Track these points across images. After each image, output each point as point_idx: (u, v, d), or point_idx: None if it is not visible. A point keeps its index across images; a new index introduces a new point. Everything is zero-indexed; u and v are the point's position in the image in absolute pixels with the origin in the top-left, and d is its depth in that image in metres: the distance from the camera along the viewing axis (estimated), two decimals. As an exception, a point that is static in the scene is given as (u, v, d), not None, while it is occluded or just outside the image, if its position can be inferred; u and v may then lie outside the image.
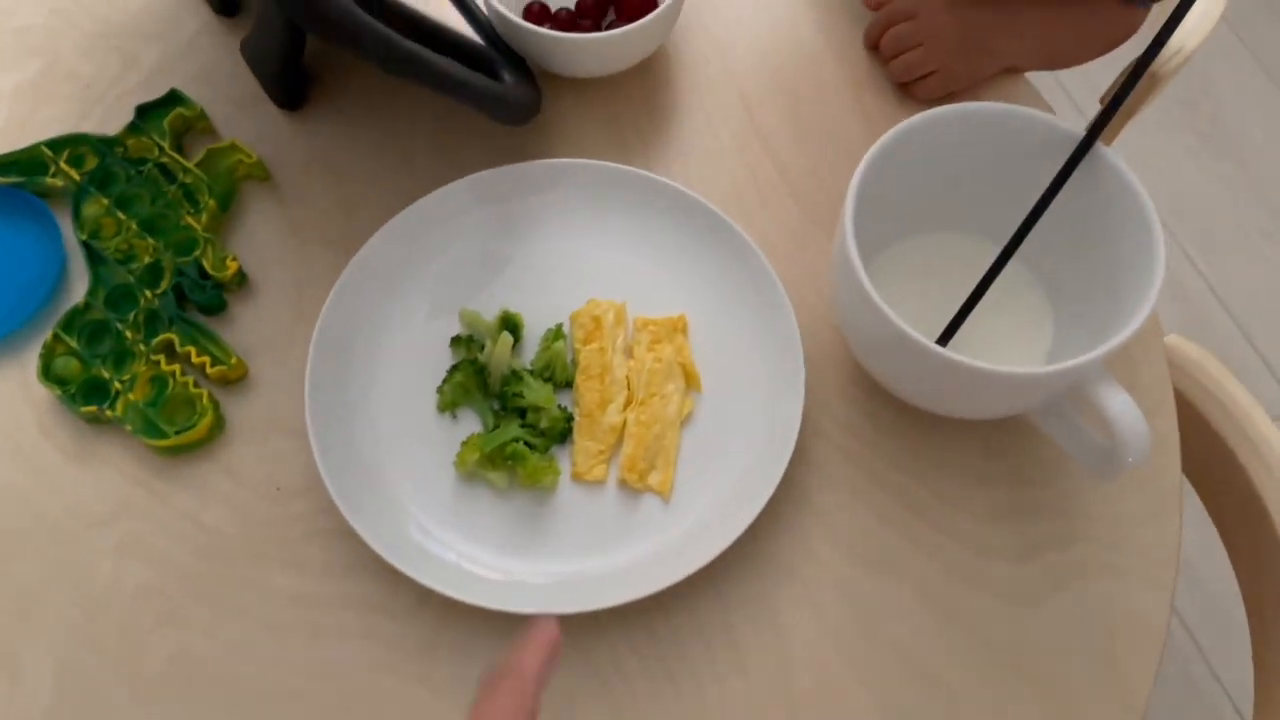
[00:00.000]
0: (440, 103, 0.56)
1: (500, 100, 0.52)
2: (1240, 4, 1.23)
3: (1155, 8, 0.61)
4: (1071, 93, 1.33)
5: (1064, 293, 0.51)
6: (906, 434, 0.51)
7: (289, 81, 0.59)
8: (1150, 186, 0.46)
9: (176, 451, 0.51)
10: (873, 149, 0.47)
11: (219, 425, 0.51)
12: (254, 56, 0.60)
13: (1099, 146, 0.47)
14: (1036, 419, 0.49)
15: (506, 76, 0.55)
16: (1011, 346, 0.51)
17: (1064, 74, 1.24)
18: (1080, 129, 0.47)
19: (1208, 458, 0.55)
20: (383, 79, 0.57)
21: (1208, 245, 1.25)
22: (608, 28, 0.61)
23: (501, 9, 0.56)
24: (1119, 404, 0.43)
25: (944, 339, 0.48)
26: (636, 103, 0.60)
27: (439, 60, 0.49)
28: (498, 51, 0.57)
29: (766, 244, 0.53)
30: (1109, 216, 0.48)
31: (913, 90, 0.60)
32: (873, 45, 0.61)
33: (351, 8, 0.47)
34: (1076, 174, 0.47)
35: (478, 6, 0.59)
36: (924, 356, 0.44)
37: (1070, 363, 0.43)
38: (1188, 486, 0.54)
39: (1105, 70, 0.69)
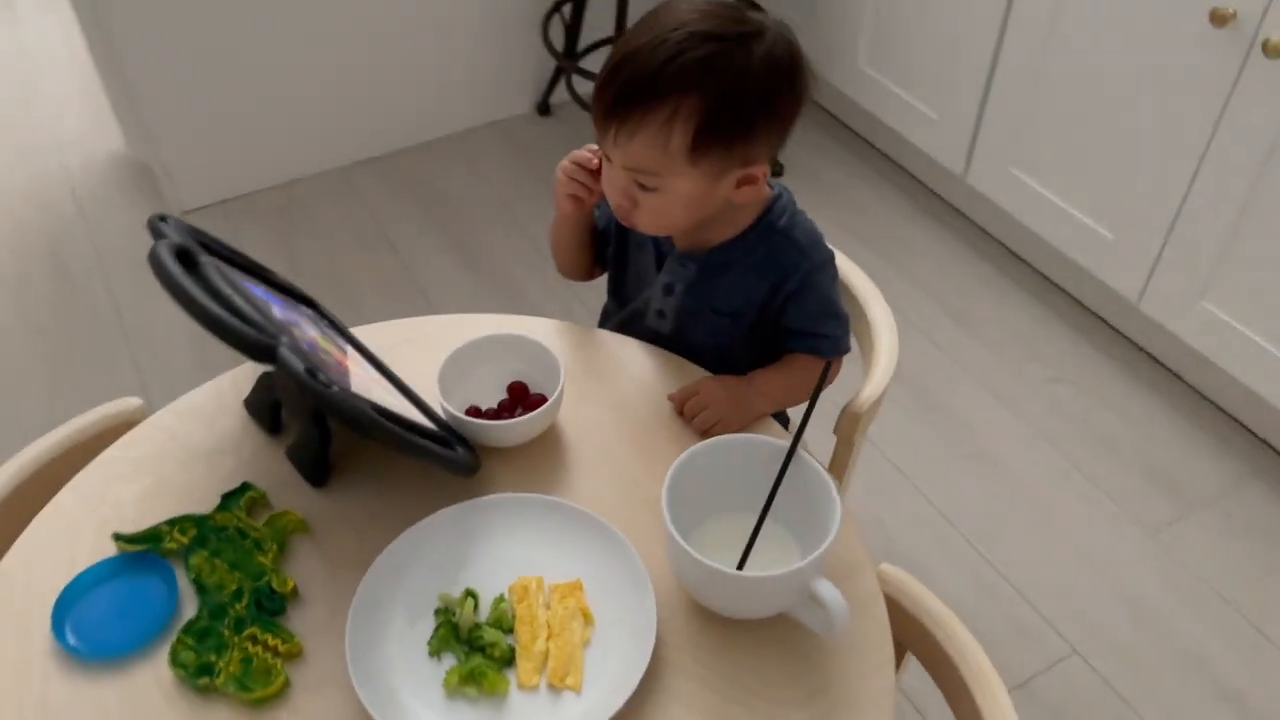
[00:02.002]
0: (415, 470, 0.91)
1: (454, 462, 0.88)
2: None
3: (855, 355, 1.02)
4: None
5: (803, 539, 0.86)
6: (725, 639, 0.82)
7: (318, 470, 0.94)
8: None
9: (261, 703, 0.79)
10: (673, 466, 0.83)
11: (287, 683, 0.80)
12: (295, 456, 0.95)
13: (800, 453, 0.84)
14: (796, 615, 0.81)
15: (458, 448, 0.91)
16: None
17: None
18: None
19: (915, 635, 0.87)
20: (377, 464, 0.92)
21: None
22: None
23: (452, 410, 0.93)
24: (827, 589, 0.77)
25: (739, 568, 0.81)
26: (541, 460, 0.96)
27: (423, 441, 0.84)
28: (450, 433, 0.94)
29: (631, 535, 0.87)
30: (813, 490, 0.83)
31: (708, 435, 0.97)
32: (679, 412, 1.00)
33: (368, 413, 0.83)
34: (792, 469, 0.83)
35: (432, 409, 0.96)
36: (723, 578, 0.77)
37: (791, 567, 0.77)
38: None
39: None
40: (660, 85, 0.88)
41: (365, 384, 0.93)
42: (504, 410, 0.99)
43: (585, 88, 2.38)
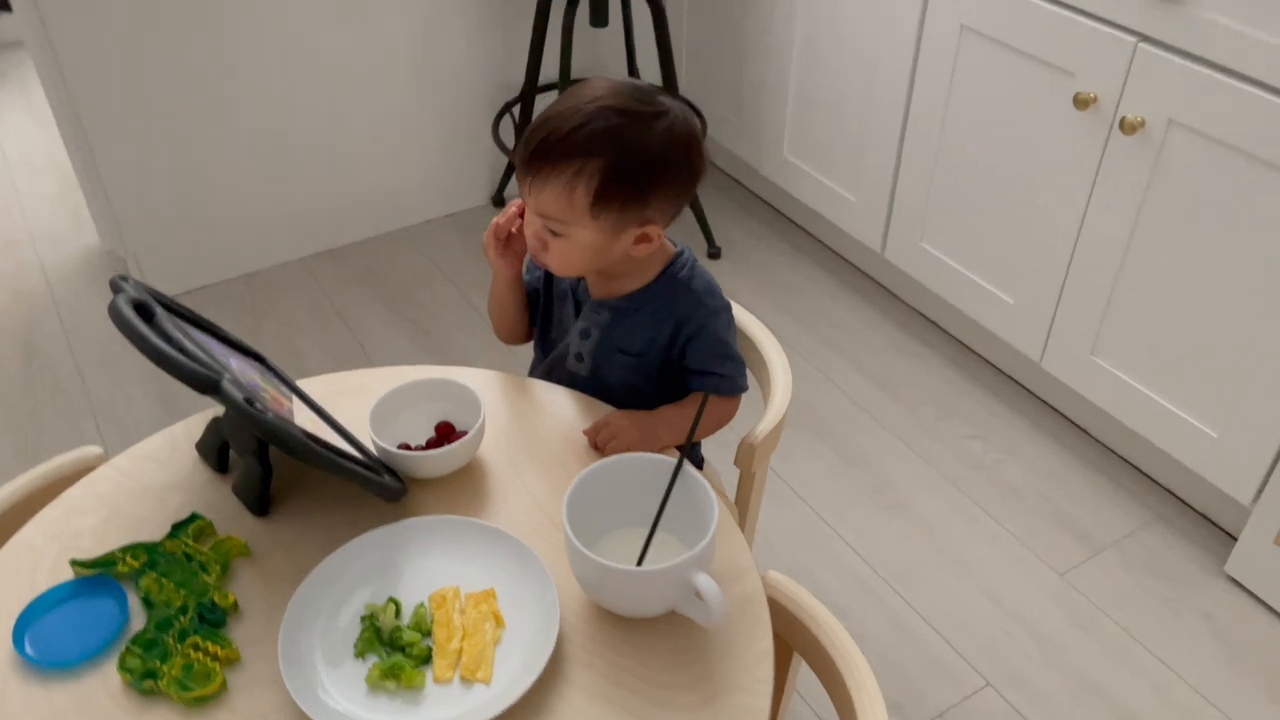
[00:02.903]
0: (349, 500, 1.01)
1: (382, 486, 0.98)
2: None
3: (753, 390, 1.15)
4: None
5: (688, 542, 0.96)
6: (621, 636, 0.92)
7: (260, 502, 1.04)
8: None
9: (200, 702, 0.87)
10: (575, 481, 0.94)
11: (224, 684, 0.89)
12: (239, 490, 1.05)
13: (688, 470, 0.95)
14: (683, 610, 0.91)
15: (386, 475, 1.01)
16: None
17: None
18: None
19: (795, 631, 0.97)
20: (314, 496, 1.03)
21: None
22: (443, 452, 1.09)
23: (382, 444, 1.04)
24: (705, 582, 0.87)
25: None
26: (463, 488, 1.06)
27: (353, 466, 0.95)
28: (380, 465, 1.04)
29: (540, 550, 0.97)
30: (700, 503, 0.95)
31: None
32: (591, 444, 1.11)
33: (300, 437, 0.93)
34: (680, 482, 0.94)
35: (363, 444, 1.07)
36: (615, 574, 0.88)
37: (674, 561, 0.87)
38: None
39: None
40: (569, 147, 1.02)
41: (309, 426, 1.04)
42: (430, 446, 1.10)
43: (533, 180, 2.54)
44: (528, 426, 1.14)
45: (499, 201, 2.68)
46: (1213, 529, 1.81)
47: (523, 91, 2.45)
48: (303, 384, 1.19)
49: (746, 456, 1.19)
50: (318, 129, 2.38)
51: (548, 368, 1.26)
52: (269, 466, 1.04)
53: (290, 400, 1.14)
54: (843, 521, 1.83)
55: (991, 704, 1.55)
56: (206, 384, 0.91)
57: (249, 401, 0.91)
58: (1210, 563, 1.76)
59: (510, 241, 1.18)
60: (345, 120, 2.41)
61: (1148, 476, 1.90)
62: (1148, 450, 1.86)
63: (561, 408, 1.18)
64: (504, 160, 2.63)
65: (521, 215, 1.16)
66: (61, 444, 2.00)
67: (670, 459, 0.97)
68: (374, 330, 2.28)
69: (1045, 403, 2.04)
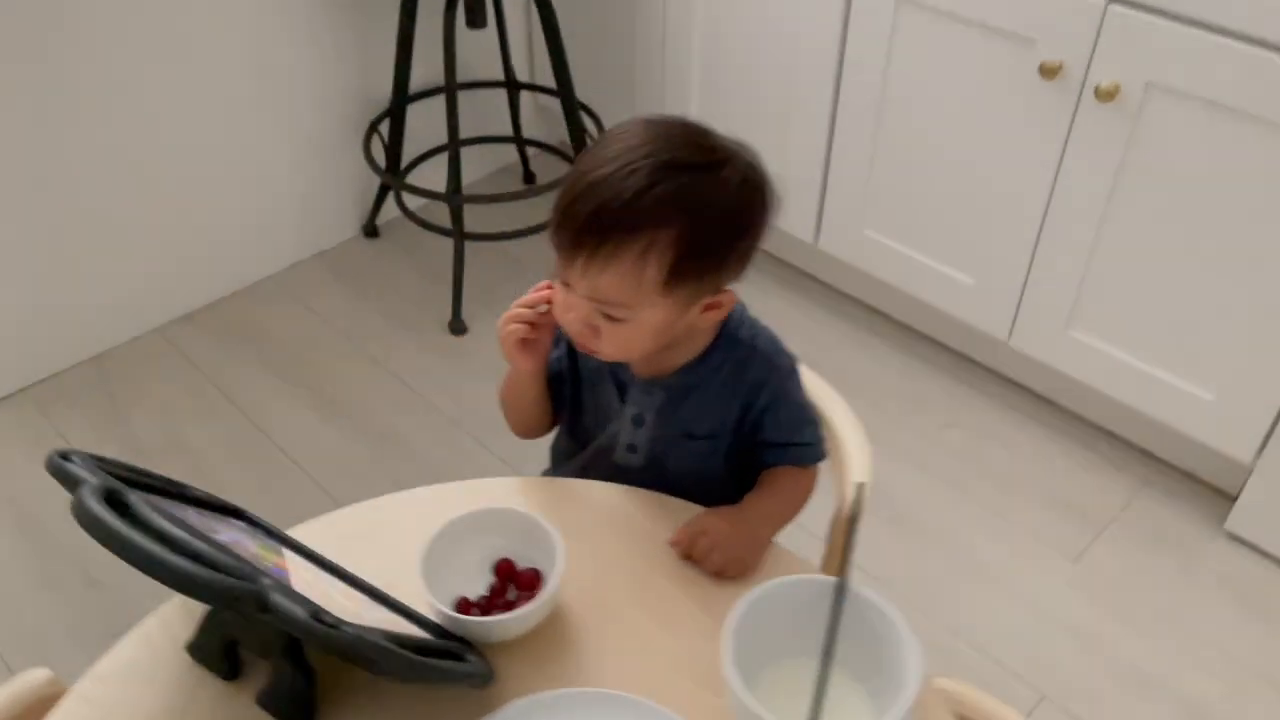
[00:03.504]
0: (409, 691, 0.79)
1: (474, 675, 0.77)
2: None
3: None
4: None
5: (868, 682, 0.80)
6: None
7: (303, 713, 0.80)
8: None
9: None
10: (731, 618, 0.76)
11: None
12: (271, 703, 0.80)
13: (854, 588, 0.78)
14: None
15: (469, 656, 0.80)
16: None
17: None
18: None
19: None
20: (367, 691, 0.80)
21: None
22: (515, 600, 0.88)
23: (448, 612, 0.82)
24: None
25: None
26: (544, 644, 0.86)
27: (436, 662, 0.73)
28: (453, 639, 0.83)
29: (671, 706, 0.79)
30: (873, 627, 0.78)
31: (723, 575, 0.90)
32: (685, 556, 0.92)
33: (390, 647, 0.71)
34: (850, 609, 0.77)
35: (408, 606, 0.85)
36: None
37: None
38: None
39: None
40: (635, 218, 0.82)
41: (323, 593, 0.81)
42: (497, 596, 0.89)
43: (415, 202, 2.28)
44: (593, 543, 0.94)
45: (371, 231, 2.40)
46: (1202, 488, 1.79)
47: (392, 104, 2.18)
48: (293, 533, 0.95)
49: (845, 530, 1.03)
50: (160, 172, 2.04)
51: (586, 462, 1.06)
52: (309, 667, 0.80)
53: (284, 557, 0.90)
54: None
55: (1055, 717, 1.48)
56: (252, 602, 0.67)
57: (317, 617, 0.67)
58: (1208, 523, 1.74)
59: (535, 331, 0.97)
60: (185, 163, 2.07)
61: (1127, 443, 1.87)
62: (1130, 418, 1.82)
63: (624, 514, 0.98)
64: (374, 184, 2.34)
65: (548, 300, 0.95)
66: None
67: (822, 579, 0.80)
68: (270, 408, 1.97)
69: (1013, 382, 1.98)
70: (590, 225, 0.83)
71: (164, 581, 0.67)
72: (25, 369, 2.00)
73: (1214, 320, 1.58)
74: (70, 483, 0.74)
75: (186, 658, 0.85)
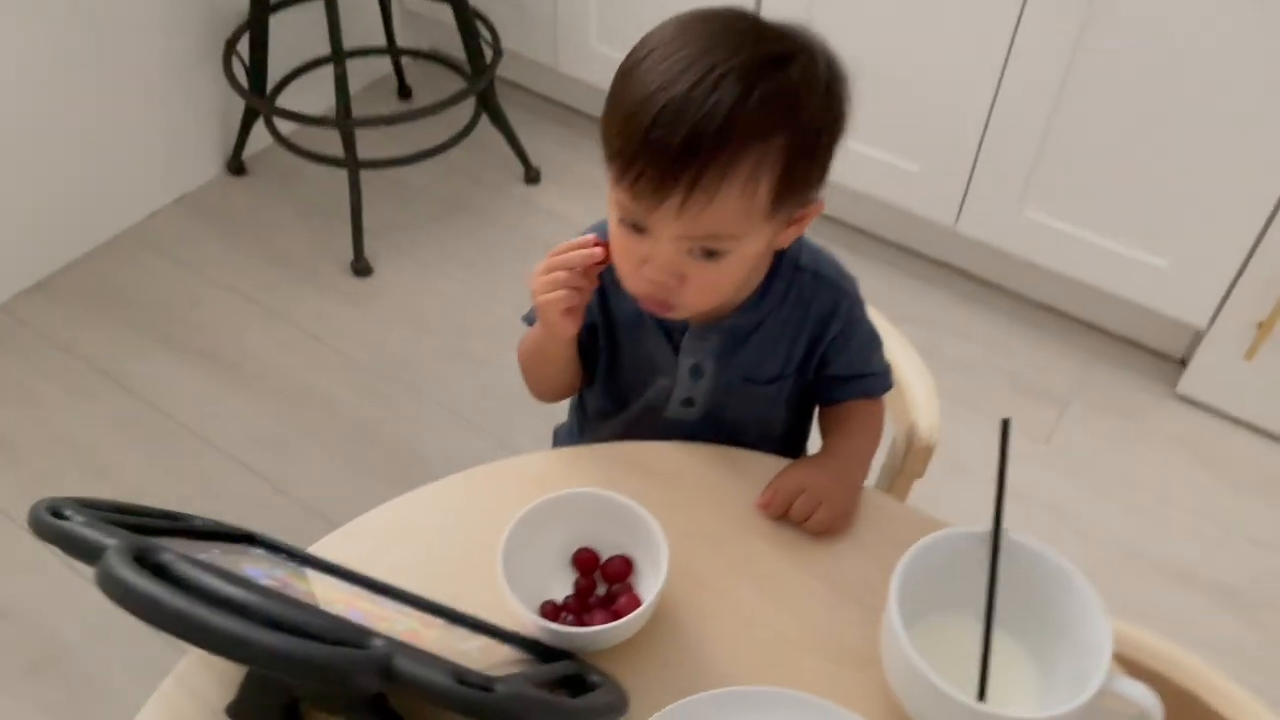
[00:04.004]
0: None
1: (615, 709, 0.65)
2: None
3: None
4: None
5: (1029, 640, 0.72)
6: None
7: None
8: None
9: None
10: (903, 558, 0.68)
11: None
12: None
13: (1015, 538, 0.70)
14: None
15: (594, 677, 0.67)
16: (1008, 690, 0.71)
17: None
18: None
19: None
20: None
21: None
22: (605, 595, 0.76)
23: (549, 624, 0.69)
24: (1139, 691, 0.64)
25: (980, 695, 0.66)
26: (650, 644, 0.74)
27: (598, 703, 0.61)
28: (556, 654, 0.70)
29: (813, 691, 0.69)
30: (1037, 580, 0.70)
31: (830, 533, 0.80)
32: (777, 516, 0.82)
33: (527, 699, 0.58)
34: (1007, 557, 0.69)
35: (506, 630, 0.72)
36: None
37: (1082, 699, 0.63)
38: None
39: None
40: (739, 134, 0.68)
41: (386, 622, 0.67)
42: (585, 594, 0.76)
43: (288, 126, 2.02)
44: (670, 516, 0.82)
45: (238, 168, 2.12)
46: (1149, 355, 1.81)
47: (251, 16, 1.90)
48: (314, 550, 0.79)
49: (920, 460, 0.94)
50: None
51: (630, 420, 0.93)
52: (397, 718, 0.66)
53: (306, 577, 0.75)
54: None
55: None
56: (374, 670, 0.52)
57: (461, 680, 0.53)
58: (1159, 388, 1.76)
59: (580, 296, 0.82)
60: (7, 107, 1.75)
61: (1074, 319, 1.86)
62: (1077, 293, 1.81)
63: (695, 475, 0.86)
64: (236, 113, 2.06)
65: (602, 257, 0.80)
66: None
67: (972, 529, 0.71)
68: (167, 384, 1.72)
69: (958, 269, 1.94)
70: (685, 155, 0.68)
71: (251, 664, 0.52)
72: None
73: (1170, 187, 1.56)
74: (77, 547, 0.56)
75: (226, 722, 0.69)
